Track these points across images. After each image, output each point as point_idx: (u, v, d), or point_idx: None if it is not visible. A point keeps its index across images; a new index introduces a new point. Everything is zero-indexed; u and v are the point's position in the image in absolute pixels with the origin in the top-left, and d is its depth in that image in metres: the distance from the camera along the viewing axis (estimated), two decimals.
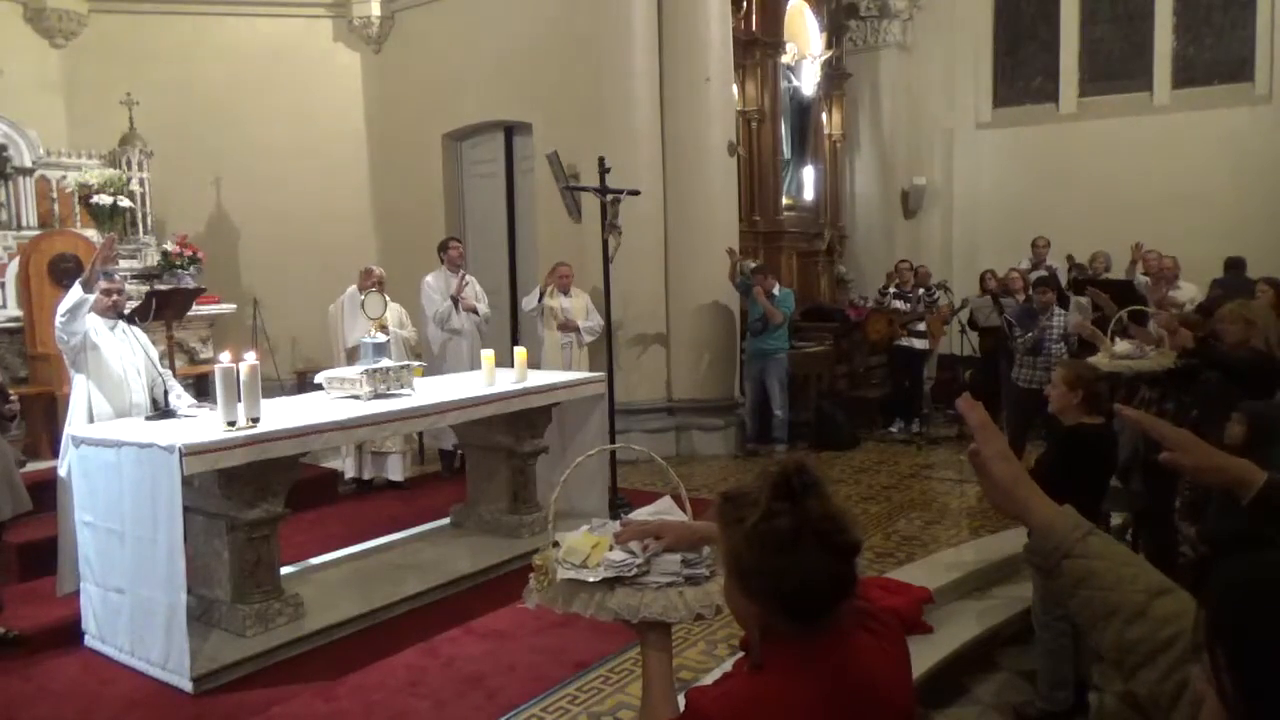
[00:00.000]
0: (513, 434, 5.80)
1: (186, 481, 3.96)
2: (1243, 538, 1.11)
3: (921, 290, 9.29)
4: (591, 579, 1.65)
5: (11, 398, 4.83)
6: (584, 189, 7.36)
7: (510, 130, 9.90)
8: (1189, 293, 7.99)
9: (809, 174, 10.69)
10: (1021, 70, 11.84)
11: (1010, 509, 1.30)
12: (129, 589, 4.17)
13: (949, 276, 10.70)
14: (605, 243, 6.60)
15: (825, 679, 1.37)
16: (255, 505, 4.38)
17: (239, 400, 4.19)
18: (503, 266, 10.05)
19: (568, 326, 7.84)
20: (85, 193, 8.15)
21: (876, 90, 11.78)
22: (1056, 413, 3.85)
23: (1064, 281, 8.98)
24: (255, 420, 4.22)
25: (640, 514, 1.80)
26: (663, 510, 1.80)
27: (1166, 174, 10.43)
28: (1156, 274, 8.04)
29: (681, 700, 1.48)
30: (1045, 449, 4.40)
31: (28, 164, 8.06)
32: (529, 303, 8.08)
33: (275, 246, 9.86)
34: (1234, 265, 8.32)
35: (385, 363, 5.26)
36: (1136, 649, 1.15)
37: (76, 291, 4.60)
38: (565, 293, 7.91)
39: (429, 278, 7.65)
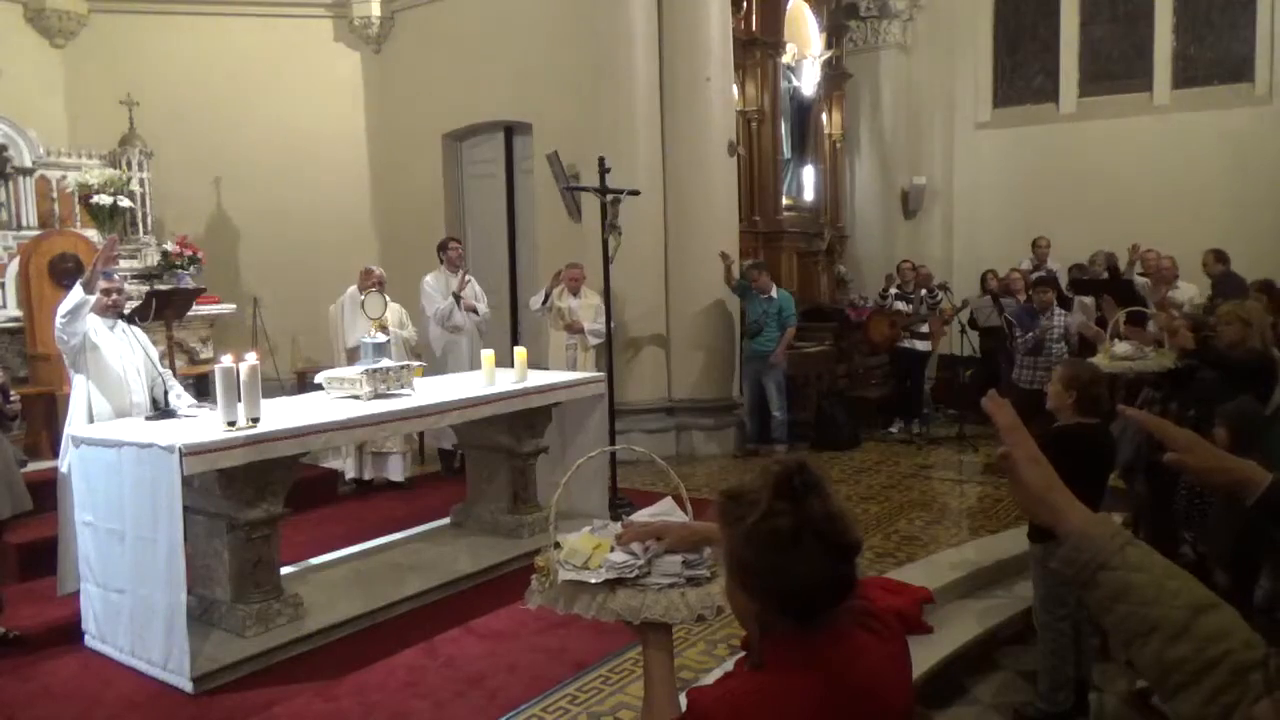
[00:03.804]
0: (513, 434, 5.80)
1: (186, 481, 3.96)
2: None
3: (924, 291, 9.29)
4: (593, 580, 1.65)
5: (13, 397, 4.83)
6: (584, 189, 7.36)
7: (510, 130, 9.91)
8: (1188, 292, 7.98)
9: (809, 174, 10.69)
10: (1021, 70, 11.83)
11: (1042, 516, 1.23)
12: (129, 589, 4.16)
13: (949, 276, 10.70)
14: (605, 243, 6.61)
15: (825, 678, 1.37)
16: (255, 505, 4.38)
17: (239, 400, 4.19)
18: (503, 266, 10.05)
19: (573, 328, 7.83)
20: (85, 193, 8.14)
21: (876, 90, 11.78)
22: (1052, 411, 3.86)
23: (1064, 283, 8.97)
24: (255, 420, 4.22)
25: (641, 515, 1.81)
26: (664, 511, 1.80)
27: (1166, 174, 10.42)
28: (1156, 274, 8.03)
29: (683, 700, 1.48)
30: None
31: (28, 164, 8.06)
32: (535, 303, 8.06)
33: (275, 246, 9.86)
34: (1219, 259, 8.21)
35: (385, 363, 5.26)
36: (1179, 669, 1.08)
37: (77, 292, 4.60)
38: (575, 294, 7.90)
39: (428, 278, 7.65)
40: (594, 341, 7.84)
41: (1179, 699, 1.09)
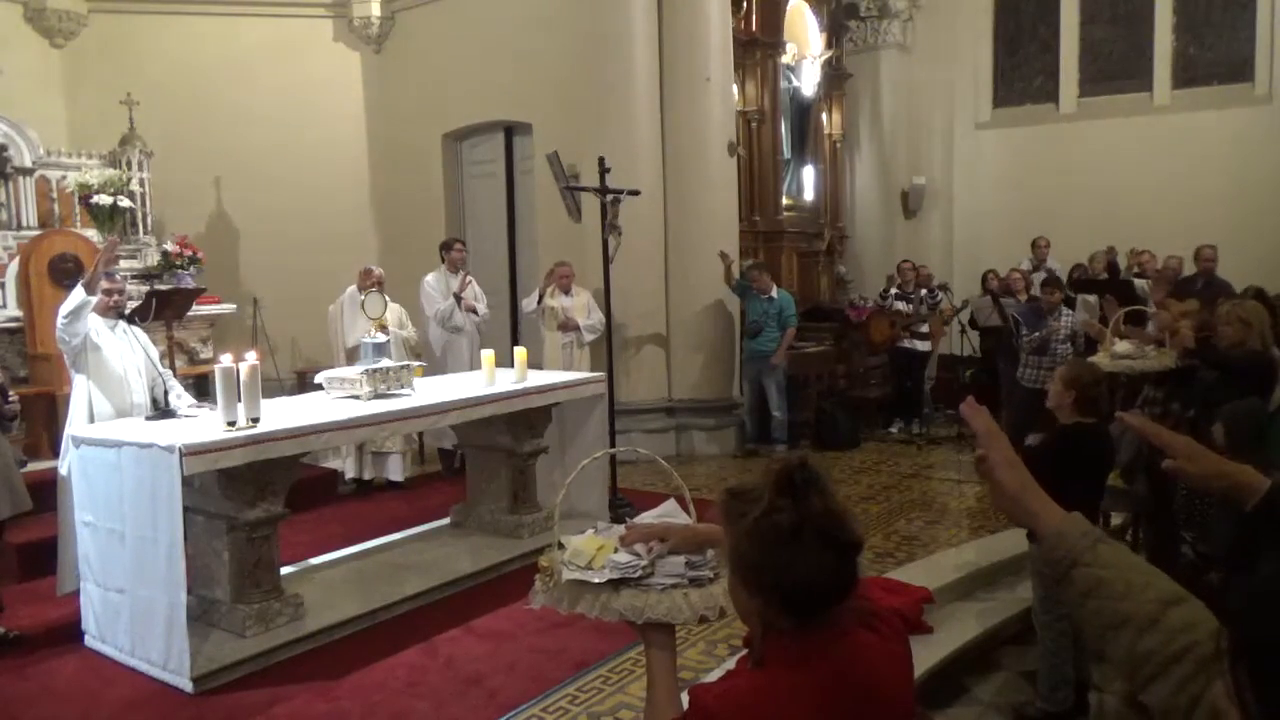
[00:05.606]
0: (513, 434, 5.79)
1: (186, 481, 3.96)
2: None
3: (924, 291, 9.29)
4: (596, 580, 1.65)
5: (12, 397, 4.83)
6: (584, 189, 7.35)
7: (510, 130, 9.90)
8: None
9: (809, 174, 10.69)
10: (1021, 70, 11.84)
11: (1018, 517, 1.27)
12: (129, 589, 4.16)
13: (949, 276, 10.71)
14: (605, 243, 6.60)
15: (826, 675, 1.38)
16: (255, 505, 4.38)
17: (239, 400, 4.19)
18: (503, 266, 10.04)
19: (568, 326, 7.83)
20: (85, 193, 8.13)
21: (876, 90, 11.77)
22: (1052, 409, 3.87)
23: (1064, 282, 8.98)
24: (255, 420, 4.22)
25: (645, 517, 1.81)
26: (667, 512, 1.80)
27: (1166, 174, 10.42)
28: (1158, 275, 8.04)
29: (685, 698, 1.48)
30: (1035, 444, 4.40)
31: (28, 164, 8.04)
32: (529, 304, 8.06)
33: (275, 246, 9.85)
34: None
35: (385, 363, 5.26)
36: (1149, 660, 1.11)
37: (79, 293, 4.60)
38: (566, 292, 7.90)
39: (429, 277, 7.65)
40: (589, 338, 7.85)
41: (1150, 690, 1.12)
